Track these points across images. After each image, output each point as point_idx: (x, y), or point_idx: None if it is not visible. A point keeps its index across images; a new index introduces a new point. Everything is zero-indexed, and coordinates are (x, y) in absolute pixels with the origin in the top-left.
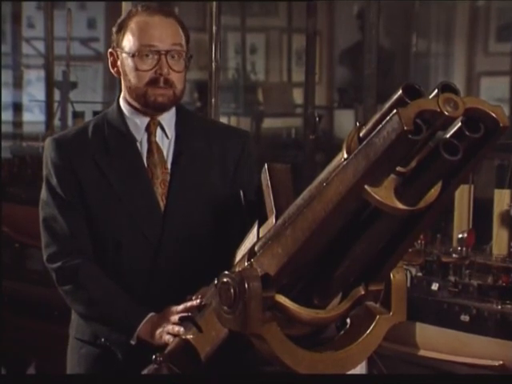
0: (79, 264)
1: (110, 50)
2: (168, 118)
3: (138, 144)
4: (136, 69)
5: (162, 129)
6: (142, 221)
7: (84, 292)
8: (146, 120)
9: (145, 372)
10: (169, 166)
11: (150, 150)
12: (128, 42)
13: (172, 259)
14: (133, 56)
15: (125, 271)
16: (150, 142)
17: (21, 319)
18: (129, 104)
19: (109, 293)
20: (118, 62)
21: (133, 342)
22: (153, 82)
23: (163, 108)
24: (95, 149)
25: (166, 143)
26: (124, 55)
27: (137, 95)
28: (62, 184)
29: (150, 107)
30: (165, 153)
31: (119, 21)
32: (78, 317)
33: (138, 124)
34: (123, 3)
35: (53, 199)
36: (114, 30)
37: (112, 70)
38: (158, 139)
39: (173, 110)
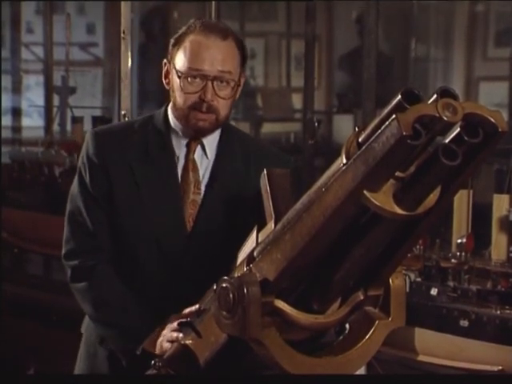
0: (95, 265)
1: (164, 60)
2: (211, 138)
3: (176, 158)
4: (181, 90)
5: (203, 148)
6: (164, 238)
7: (95, 293)
8: (188, 137)
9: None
10: (202, 187)
11: (185, 168)
12: (179, 60)
13: (188, 278)
14: (180, 77)
15: (138, 281)
16: (187, 159)
17: (20, 323)
18: (175, 116)
19: (119, 300)
20: (170, 75)
21: (138, 352)
22: (195, 106)
23: (203, 133)
24: (133, 153)
25: (205, 163)
26: (174, 71)
27: (179, 115)
28: (93, 181)
29: (190, 129)
30: (201, 173)
31: (177, 35)
32: None
33: (180, 138)
34: (122, 8)
35: (81, 194)
36: (172, 42)
37: (164, 81)
38: (196, 157)
39: (217, 130)
